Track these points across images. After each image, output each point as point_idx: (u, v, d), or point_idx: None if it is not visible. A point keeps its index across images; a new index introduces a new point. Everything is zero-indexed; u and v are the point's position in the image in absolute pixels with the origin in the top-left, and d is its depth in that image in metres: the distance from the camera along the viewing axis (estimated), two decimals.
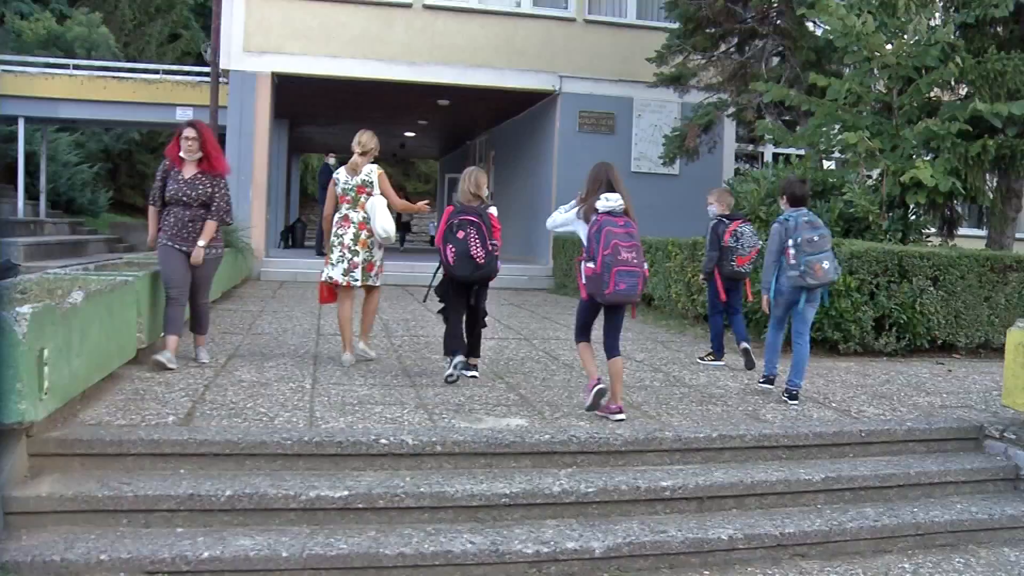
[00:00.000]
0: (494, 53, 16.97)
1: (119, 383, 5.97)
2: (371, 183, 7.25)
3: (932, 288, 9.14)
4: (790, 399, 6.62)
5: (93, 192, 26.80)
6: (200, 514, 4.40)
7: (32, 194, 22.99)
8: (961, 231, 12.80)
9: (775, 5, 13.80)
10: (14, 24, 28.47)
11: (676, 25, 14.62)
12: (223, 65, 16.25)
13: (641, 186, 16.53)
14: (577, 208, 6.00)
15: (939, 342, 9.35)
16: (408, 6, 16.74)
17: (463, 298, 6.79)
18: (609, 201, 5.72)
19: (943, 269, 9.19)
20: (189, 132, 6.79)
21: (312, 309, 10.78)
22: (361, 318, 7.66)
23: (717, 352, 8.30)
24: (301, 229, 25.23)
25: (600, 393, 5.77)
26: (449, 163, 31.35)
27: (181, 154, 6.77)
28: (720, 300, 8.13)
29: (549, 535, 4.55)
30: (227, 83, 16.52)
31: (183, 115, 20.29)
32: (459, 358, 6.65)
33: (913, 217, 10.96)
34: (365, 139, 7.32)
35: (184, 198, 6.72)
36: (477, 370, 7.03)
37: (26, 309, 4.27)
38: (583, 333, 6.06)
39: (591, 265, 5.63)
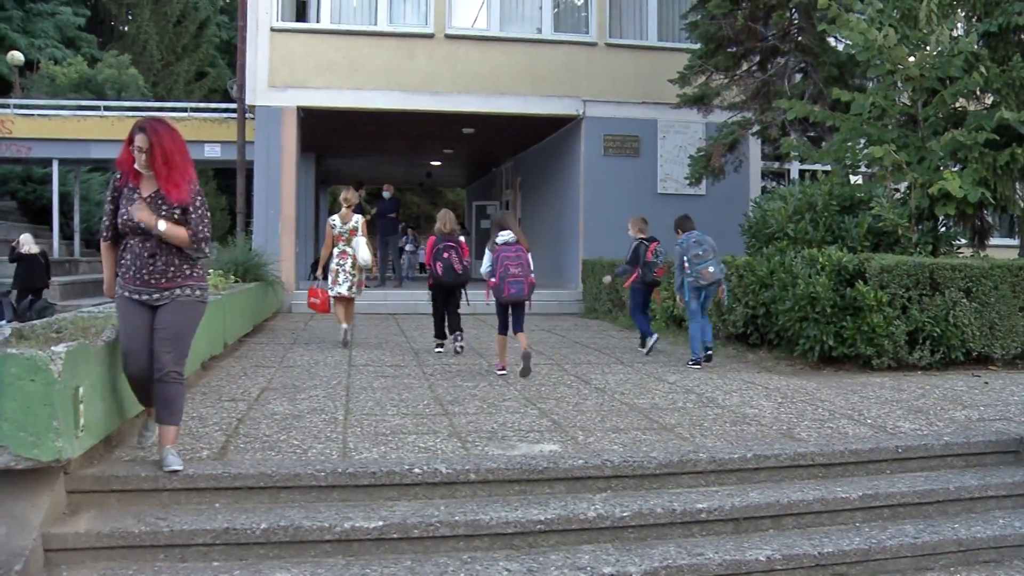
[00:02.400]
0: (517, 80, 17.09)
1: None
2: (358, 228, 10.44)
3: (965, 300, 9.04)
4: (707, 361, 9.28)
5: None
6: (236, 547, 4.42)
7: (66, 234, 23.42)
8: (993, 241, 12.66)
9: (796, 22, 13.81)
10: (48, 69, 29.14)
11: (697, 46, 14.67)
12: (249, 101, 16.53)
13: (668, 208, 16.44)
14: (489, 243, 8.54)
15: (974, 354, 9.22)
16: (430, 36, 16.92)
17: (444, 298, 9.98)
18: (503, 236, 8.39)
19: (976, 280, 9.09)
20: (140, 140, 4.76)
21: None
22: (347, 315, 10.65)
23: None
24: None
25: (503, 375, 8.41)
26: (476, 191, 31.46)
27: (137, 166, 4.85)
28: (640, 301, 10.51)
29: (585, 560, 4.52)
30: (253, 118, 16.77)
31: (211, 152, 20.64)
32: (443, 341, 10.20)
33: (943, 229, 10.86)
34: (350, 196, 10.72)
35: (142, 224, 4.80)
36: (462, 338, 10.20)
37: (61, 348, 4.35)
38: (502, 328, 8.59)
39: (493, 280, 8.26)
